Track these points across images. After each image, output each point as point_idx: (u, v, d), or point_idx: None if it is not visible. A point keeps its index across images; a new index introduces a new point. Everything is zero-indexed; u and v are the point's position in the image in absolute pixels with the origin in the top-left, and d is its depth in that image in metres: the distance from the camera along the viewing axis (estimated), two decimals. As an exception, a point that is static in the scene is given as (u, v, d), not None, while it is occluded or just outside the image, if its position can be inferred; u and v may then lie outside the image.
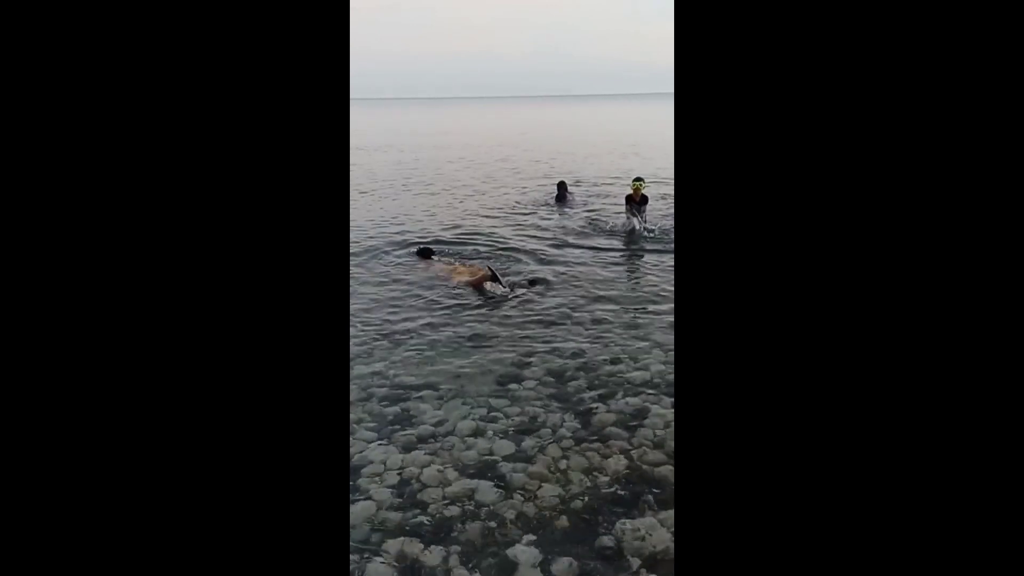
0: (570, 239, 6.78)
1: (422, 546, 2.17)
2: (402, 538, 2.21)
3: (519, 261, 5.94)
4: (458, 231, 7.30)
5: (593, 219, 7.75)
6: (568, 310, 4.56)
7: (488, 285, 4.98)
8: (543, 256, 6.08)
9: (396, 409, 3.12)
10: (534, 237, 6.90)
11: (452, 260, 6.00)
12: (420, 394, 3.28)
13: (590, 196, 9.57)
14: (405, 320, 4.37)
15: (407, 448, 2.78)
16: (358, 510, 2.36)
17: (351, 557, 2.12)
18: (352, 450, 2.77)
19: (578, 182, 10.65)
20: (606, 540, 2.20)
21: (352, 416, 3.06)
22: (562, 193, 9.09)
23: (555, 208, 8.70)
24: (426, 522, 2.30)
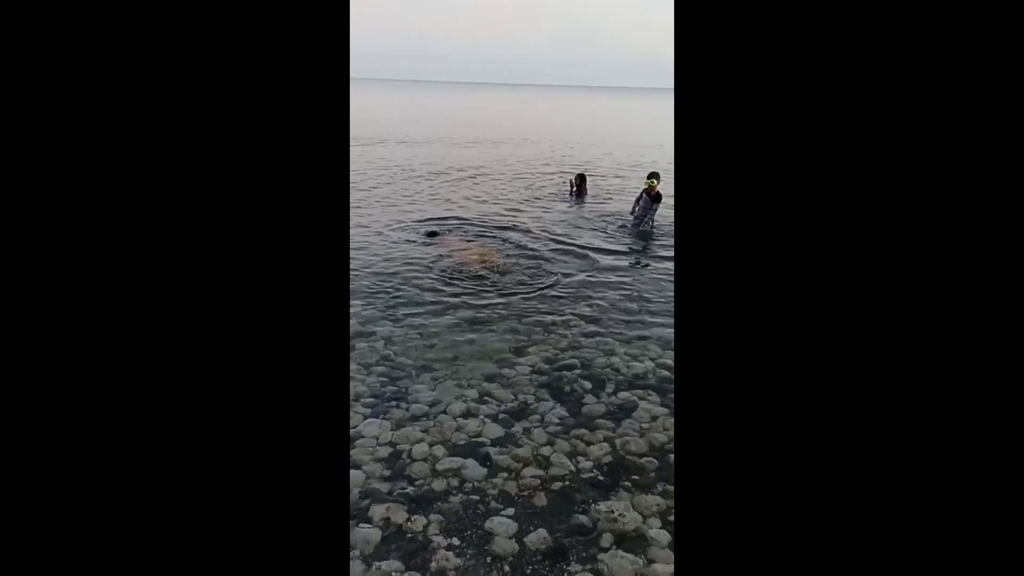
0: (581, 231, 6.87)
1: (407, 514, 2.30)
2: (388, 504, 2.34)
3: (527, 249, 6.03)
4: (471, 217, 7.41)
5: (607, 212, 7.83)
6: (570, 301, 4.65)
7: (492, 271, 5.12)
8: (552, 246, 6.17)
9: (393, 387, 3.25)
10: (547, 228, 6.99)
11: (466, 240, 6.13)
12: (417, 374, 3.41)
13: (605, 189, 9.63)
14: (409, 300, 4.50)
15: (400, 424, 2.91)
16: (350, 478, 2.49)
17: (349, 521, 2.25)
18: (350, 424, 2.91)
19: (590, 173, 10.70)
20: (581, 518, 2.31)
21: (351, 390, 3.19)
22: (579, 185, 9.18)
23: (571, 199, 8.80)
24: (412, 493, 2.43)
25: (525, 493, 2.45)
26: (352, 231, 6.73)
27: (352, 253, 5.83)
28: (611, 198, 9.01)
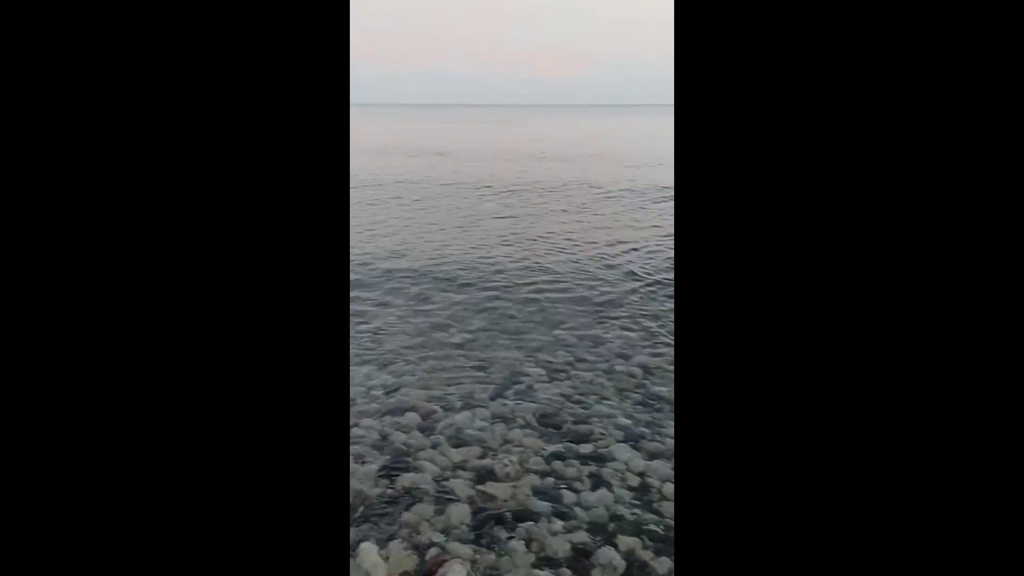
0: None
1: (653, 553, 2.25)
2: (635, 537, 2.32)
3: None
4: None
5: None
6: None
7: None
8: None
9: (647, 416, 3.24)
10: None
11: None
12: (672, 408, 3.33)
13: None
14: (672, 331, 4.43)
15: (651, 456, 2.88)
16: (596, 497, 2.55)
17: (593, 538, 2.31)
18: (601, 443, 2.98)
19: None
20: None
21: (612, 410, 3.27)
22: None
23: None
24: (659, 531, 2.37)
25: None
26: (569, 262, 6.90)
27: (593, 288, 5.98)
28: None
